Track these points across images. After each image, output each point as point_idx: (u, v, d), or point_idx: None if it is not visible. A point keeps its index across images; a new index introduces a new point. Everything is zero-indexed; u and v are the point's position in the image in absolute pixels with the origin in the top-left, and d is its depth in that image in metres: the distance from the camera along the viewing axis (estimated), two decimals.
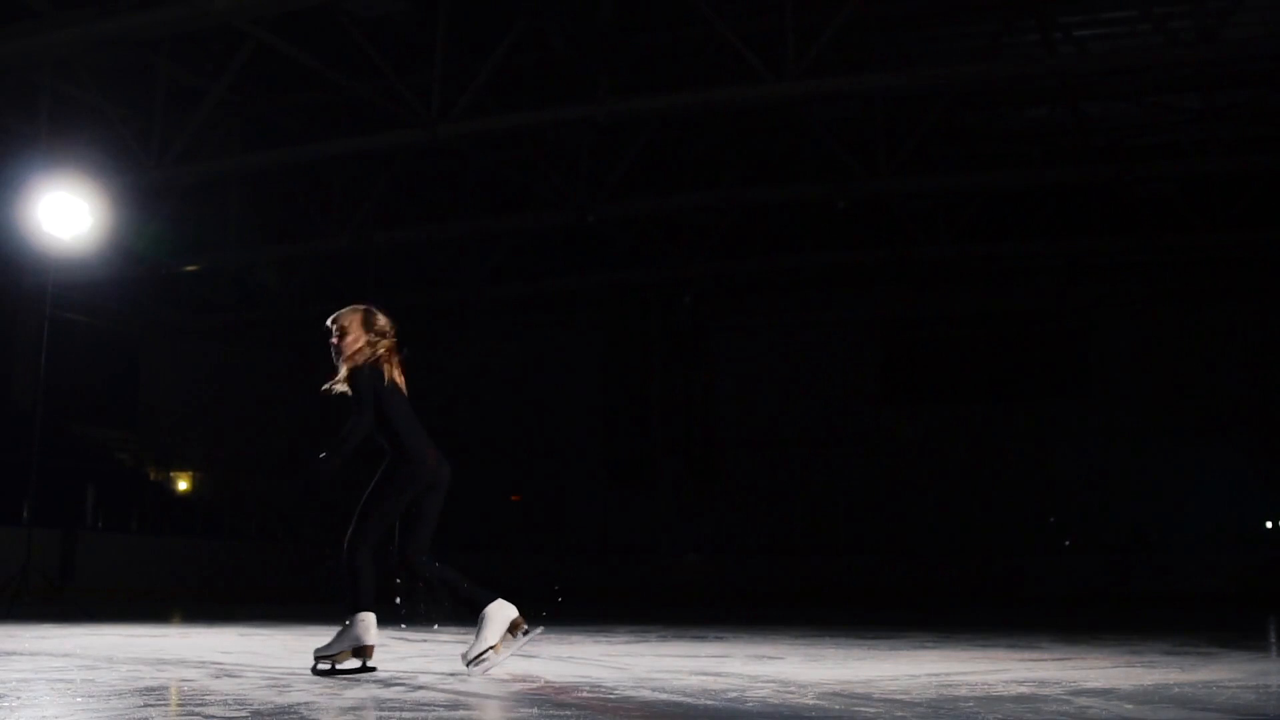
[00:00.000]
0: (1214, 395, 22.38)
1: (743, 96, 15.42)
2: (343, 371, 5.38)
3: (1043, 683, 5.13)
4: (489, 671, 5.23)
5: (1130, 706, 4.25)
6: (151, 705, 4.16)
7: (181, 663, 5.95)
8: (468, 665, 5.23)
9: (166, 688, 4.77)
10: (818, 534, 23.11)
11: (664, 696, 4.63)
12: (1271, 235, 19.72)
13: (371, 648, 5.26)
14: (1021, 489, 22.65)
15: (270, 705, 4.13)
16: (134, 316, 24.75)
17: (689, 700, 4.51)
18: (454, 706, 4.15)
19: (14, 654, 6.32)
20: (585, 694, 4.62)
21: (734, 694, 4.69)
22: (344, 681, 5.02)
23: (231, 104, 17.86)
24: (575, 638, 8.59)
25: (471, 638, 5.25)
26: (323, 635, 5.63)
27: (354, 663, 5.25)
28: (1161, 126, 19.31)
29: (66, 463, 17.46)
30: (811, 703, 4.40)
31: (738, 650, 7.57)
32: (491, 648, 5.19)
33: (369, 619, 5.23)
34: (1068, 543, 22.77)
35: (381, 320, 5.49)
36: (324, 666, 5.25)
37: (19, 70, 15.98)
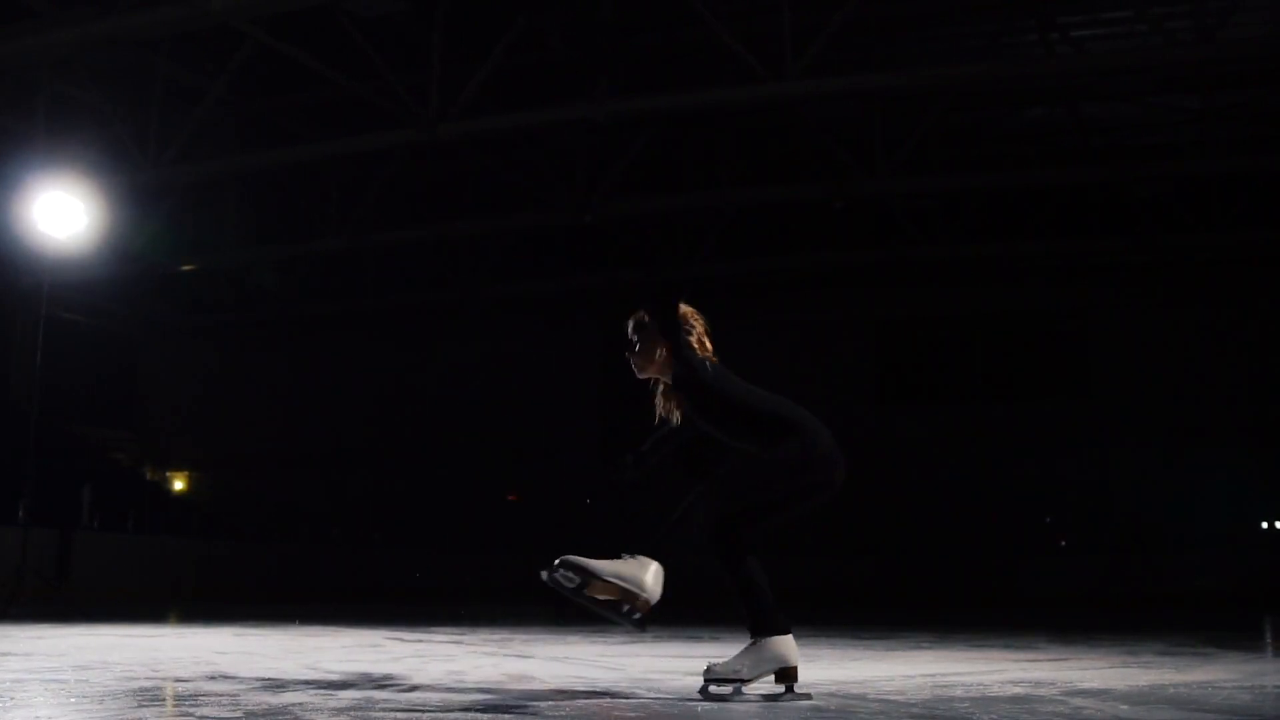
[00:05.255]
0: (1212, 395, 22.36)
1: (741, 96, 15.44)
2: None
3: (1038, 683, 5.12)
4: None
5: (1126, 707, 4.24)
6: (146, 705, 4.14)
7: (176, 663, 5.94)
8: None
9: (161, 688, 4.75)
10: (814, 534, 23.04)
11: (660, 697, 4.63)
12: (1270, 235, 19.71)
13: (795, 669, 4.50)
14: (1018, 489, 22.63)
15: (264, 706, 4.11)
16: (131, 316, 24.76)
17: (685, 701, 4.51)
18: (448, 708, 4.14)
19: (8, 654, 6.30)
20: (581, 694, 4.61)
21: (729, 694, 4.68)
22: (338, 682, 5.00)
23: (229, 104, 17.85)
24: (572, 638, 8.58)
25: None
26: (320, 635, 5.61)
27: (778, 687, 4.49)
28: (1161, 126, 19.31)
29: (63, 462, 17.48)
30: (807, 703, 4.39)
31: (734, 650, 7.54)
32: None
33: (788, 638, 4.50)
34: (1063, 543, 22.76)
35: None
36: (726, 689, 4.47)
37: (17, 70, 15.97)
